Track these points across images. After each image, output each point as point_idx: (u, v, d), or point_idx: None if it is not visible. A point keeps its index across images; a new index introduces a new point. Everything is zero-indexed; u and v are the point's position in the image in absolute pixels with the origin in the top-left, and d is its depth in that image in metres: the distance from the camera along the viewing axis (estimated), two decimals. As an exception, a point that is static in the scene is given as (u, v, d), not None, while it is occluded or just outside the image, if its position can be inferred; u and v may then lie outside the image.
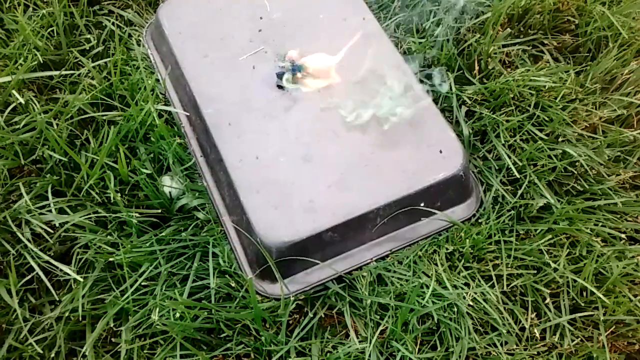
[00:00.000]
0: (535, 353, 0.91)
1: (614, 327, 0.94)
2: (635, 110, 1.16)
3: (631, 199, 1.06)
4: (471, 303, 0.92)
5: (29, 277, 0.90)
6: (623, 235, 1.00)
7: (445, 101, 1.15)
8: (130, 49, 1.17)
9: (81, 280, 0.87)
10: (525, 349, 0.91)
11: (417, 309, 0.89)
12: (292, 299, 0.91)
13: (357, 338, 0.89)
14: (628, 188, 1.10)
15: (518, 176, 1.05)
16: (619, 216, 1.04)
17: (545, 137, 1.09)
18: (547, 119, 1.12)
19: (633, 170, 1.09)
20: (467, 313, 0.92)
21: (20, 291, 0.89)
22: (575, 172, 1.08)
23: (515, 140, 1.09)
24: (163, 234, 0.95)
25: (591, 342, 0.92)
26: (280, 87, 1.04)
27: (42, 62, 1.09)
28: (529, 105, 1.13)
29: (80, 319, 0.87)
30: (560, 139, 1.11)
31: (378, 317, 0.91)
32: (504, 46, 1.24)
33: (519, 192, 1.04)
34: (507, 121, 1.10)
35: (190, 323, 0.85)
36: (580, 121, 1.14)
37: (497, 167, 1.08)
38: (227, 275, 0.93)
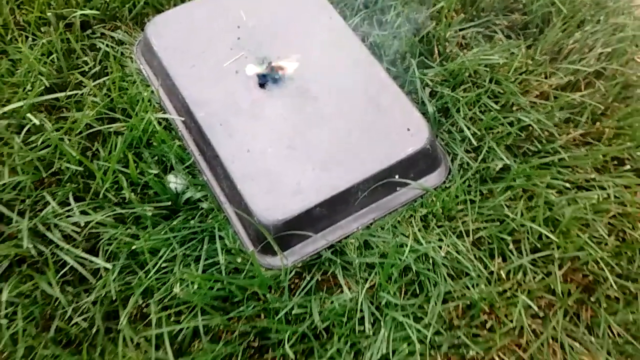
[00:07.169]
0: (502, 290, 0.99)
1: (569, 262, 1.02)
2: (582, 75, 1.23)
3: (581, 154, 1.13)
4: (444, 255, 1.00)
5: (63, 271, 0.96)
6: (568, 185, 1.07)
7: (410, 85, 1.22)
8: (124, 65, 1.21)
9: (110, 267, 0.94)
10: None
11: (398, 264, 0.97)
12: (290, 267, 0.99)
13: (350, 292, 0.97)
14: (580, 144, 1.17)
15: (477, 144, 1.12)
16: (570, 169, 1.12)
17: (500, 108, 1.17)
18: (501, 91, 1.19)
19: (583, 129, 1.17)
20: (442, 264, 0.99)
21: (58, 283, 0.95)
22: (530, 136, 1.16)
23: (474, 113, 1.17)
24: (174, 223, 1.00)
25: (551, 277, 1.00)
26: (262, 86, 1.10)
27: (48, 86, 1.13)
28: (485, 81, 1.20)
29: (114, 299, 0.93)
30: (514, 108, 1.18)
31: (367, 274, 0.98)
32: (459, 30, 1.31)
33: (480, 157, 1.11)
34: (466, 97, 1.18)
35: (208, 291, 0.92)
36: (532, 90, 1.21)
37: (460, 138, 1.15)
38: (232, 253, 1.00)
